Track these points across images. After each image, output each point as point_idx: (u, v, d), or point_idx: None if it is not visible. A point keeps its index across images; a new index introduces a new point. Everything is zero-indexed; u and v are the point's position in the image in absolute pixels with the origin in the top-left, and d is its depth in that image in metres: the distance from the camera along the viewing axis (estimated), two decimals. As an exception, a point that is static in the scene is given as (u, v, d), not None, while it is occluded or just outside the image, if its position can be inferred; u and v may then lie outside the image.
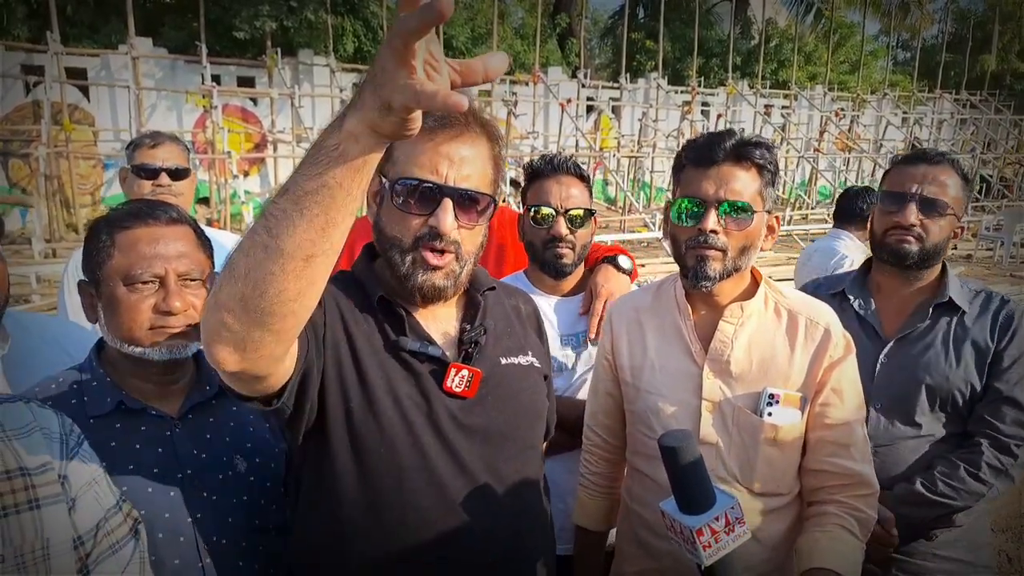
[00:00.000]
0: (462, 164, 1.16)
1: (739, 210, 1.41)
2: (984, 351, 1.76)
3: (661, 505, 1.13)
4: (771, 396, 1.44)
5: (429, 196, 1.15)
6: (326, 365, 1.15)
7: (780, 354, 1.47)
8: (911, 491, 1.72)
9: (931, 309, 1.80)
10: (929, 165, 1.81)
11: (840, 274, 2.05)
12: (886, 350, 1.81)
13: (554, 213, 1.87)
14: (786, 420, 1.44)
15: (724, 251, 1.42)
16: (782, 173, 20.42)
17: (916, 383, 1.77)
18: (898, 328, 1.83)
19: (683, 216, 1.45)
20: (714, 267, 1.43)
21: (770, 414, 1.44)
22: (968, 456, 1.73)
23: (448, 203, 1.15)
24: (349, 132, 0.76)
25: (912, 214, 1.77)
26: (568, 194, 1.88)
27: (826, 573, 1.31)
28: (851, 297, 1.87)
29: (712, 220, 1.40)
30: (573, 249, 1.89)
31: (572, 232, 1.88)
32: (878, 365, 1.80)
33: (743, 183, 1.41)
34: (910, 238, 1.78)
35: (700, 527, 1.06)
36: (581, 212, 1.89)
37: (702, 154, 1.43)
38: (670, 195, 1.55)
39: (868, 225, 1.99)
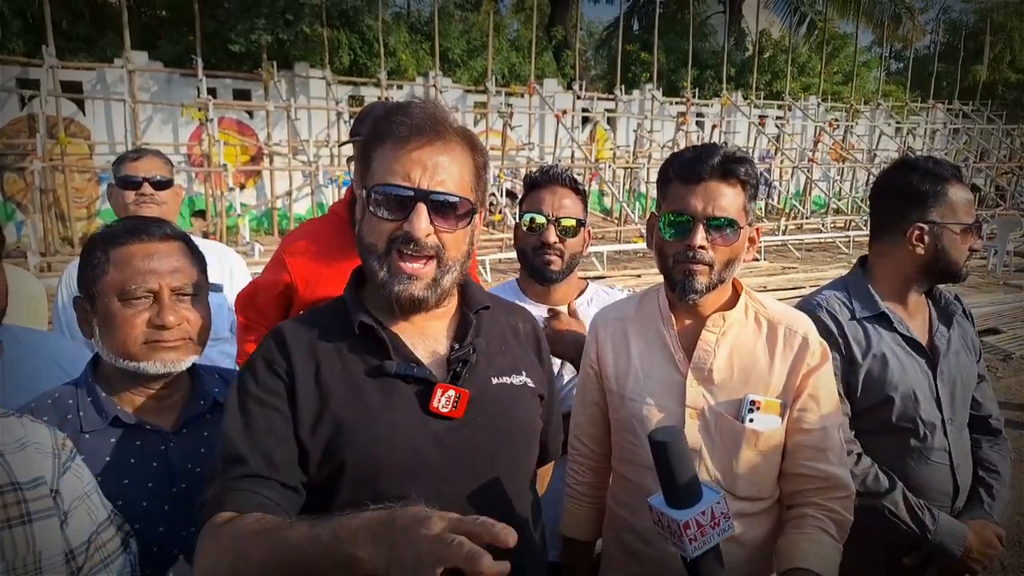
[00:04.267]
0: (436, 170, 1.16)
1: (725, 226, 1.44)
2: (976, 341, 1.95)
3: (649, 500, 1.15)
4: (752, 403, 1.47)
5: (403, 202, 1.15)
6: (301, 431, 1.16)
7: (760, 362, 1.51)
8: (1006, 496, 1.85)
9: (954, 318, 1.89)
10: (971, 192, 1.89)
11: (829, 291, 1.93)
12: (940, 367, 1.83)
13: (545, 221, 1.92)
14: (767, 426, 1.47)
15: (711, 265, 1.46)
16: (777, 183, 20.47)
17: (966, 390, 1.86)
18: (929, 341, 1.86)
19: (671, 231, 1.48)
20: (701, 281, 1.46)
21: (751, 420, 1.47)
22: (1004, 446, 1.94)
23: (421, 208, 1.14)
24: (355, 556, 0.86)
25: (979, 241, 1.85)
26: (560, 204, 1.93)
27: (805, 573, 1.34)
28: (893, 319, 1.83)
29: (700, 236, 1.43)
30: (562, 257, 1.93)
31: (562, 240, 1.92)
32: (937, 383, 1.82)
33: (729, 200, 1.44)
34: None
35: (687, 520, 1.09)
36: (573, 222, 1.94)
37: (689, 170, 1.46)
38: (655, 208, 1.58)
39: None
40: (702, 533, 1.09)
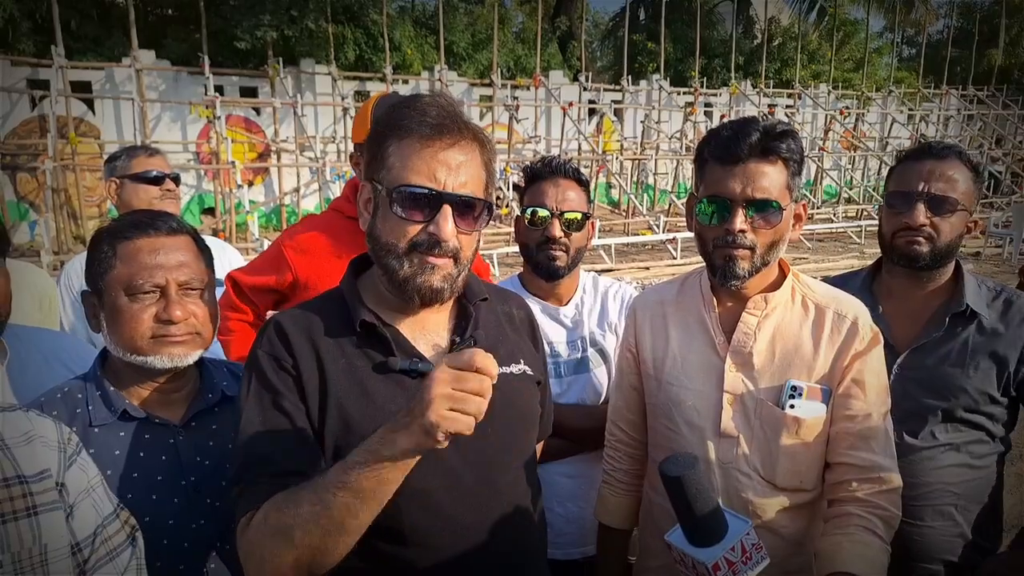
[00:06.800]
0: (459, 170, 1.15)
1: (767, 208, 1.37)
2: (1004, 361, 1.69)
3: (666, 537, 1.06)
4: (794, 389, 1.41)
5: (428, 203, 1.14)
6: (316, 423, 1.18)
7: (804, 347, 1.44)
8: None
9: (947, 319, 1.72)
10: (936, 160, 1.72)
11: (846, 275, 1.96)
12: (900, 360, 1.74)
13: (549, 215, 1.86)
14: (810, 413, 1.41)
15: (752, 249, 1.39)
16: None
17: (933, 395, 1.71)
18: (912, 337, 1.75)
19: (709, 216, 1.41)
20: (743, 266, 1.40)
21: (792, 407, 1.41)
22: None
23: (448, 210, 1.14)
24: (403, 450, 0.97)
25: (920, 214, 1.69)
26: (564, 196, 1.87)
27: None
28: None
29: (739, 221, 1.37)
30: (567, 252, 1.87)
31: (567, 235, 1.87)
32: (892, 376, 1.70)
33: (770, 179, 1.37)
34: (920, 239, 1.70)
35: (716, 561, 0.98)
36: (578, 216, 1.88)
37: (725, 150, 1.38)
38: (689, 188, 1.54)
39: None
40: (734, 572, 0.98)
